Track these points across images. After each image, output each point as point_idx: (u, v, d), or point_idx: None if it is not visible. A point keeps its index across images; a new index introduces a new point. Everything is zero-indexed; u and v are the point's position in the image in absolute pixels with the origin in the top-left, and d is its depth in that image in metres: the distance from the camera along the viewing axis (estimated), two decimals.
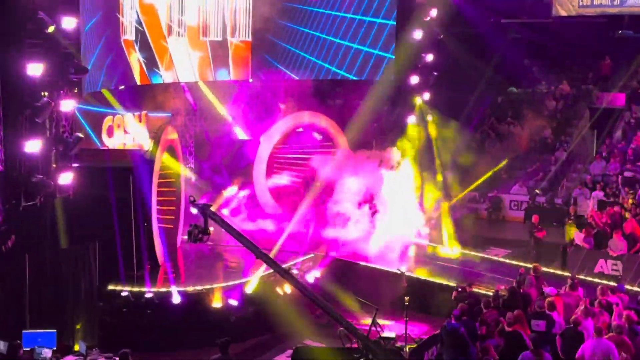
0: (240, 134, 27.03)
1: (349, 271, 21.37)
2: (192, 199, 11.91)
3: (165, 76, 24.69)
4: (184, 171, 22.99)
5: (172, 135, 22.11)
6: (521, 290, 16.36)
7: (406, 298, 16.87)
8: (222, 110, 27.07)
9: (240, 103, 27.39)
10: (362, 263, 21.55)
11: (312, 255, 21.72)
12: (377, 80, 26.33)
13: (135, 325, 17.98)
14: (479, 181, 27.22)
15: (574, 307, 15.10)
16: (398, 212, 22.88)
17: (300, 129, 26.72)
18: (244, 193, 25.67)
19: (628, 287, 18.53)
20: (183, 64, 25.07)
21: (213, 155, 26.30)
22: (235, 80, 26.98)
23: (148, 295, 18.40)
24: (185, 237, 13.46)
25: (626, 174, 25.89)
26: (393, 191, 23.09)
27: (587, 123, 29.95)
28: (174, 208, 22.32)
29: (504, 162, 28.33)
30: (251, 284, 19.31)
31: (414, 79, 27.02)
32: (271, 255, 17.55)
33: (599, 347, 12.63)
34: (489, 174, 27.38)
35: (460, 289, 17.22)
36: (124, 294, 18.34)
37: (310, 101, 27.32)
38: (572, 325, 13.83)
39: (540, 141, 30.34)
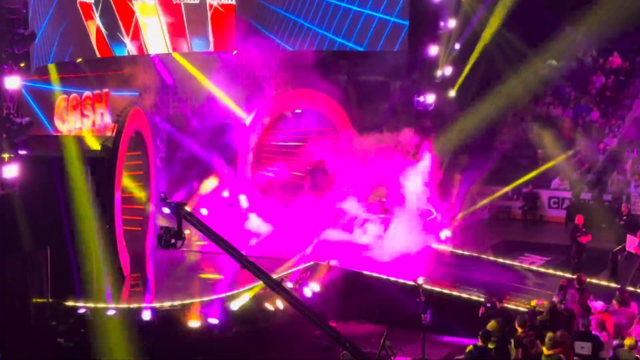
0: (224, 116, 27.03)
1: (355, 283, 21.38)
2: (163, 196, 11.92)
3: (131, 47, 24.63)
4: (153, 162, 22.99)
5: (140, 118, 22.08)
6: (562, 307, 16.38)
7: (423, 316, 16.87)
8: (202, 87, 27.05)
9: (223, 80, 27.35)
10: (370, 273, 21.56)
11: (310, 263, 21.72)
12: (390, 51, 26.34)
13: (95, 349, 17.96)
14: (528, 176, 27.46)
15: (627, 327, 15.12)
16: (416, 211, 22.96)
17: (298, 111, 26.73)
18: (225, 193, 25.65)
19: None
20: (152, 32, 25.01)
21: (189, 142, 26.27)
22: (216, 52, 26.93)
23: (110, 313, 18.39)
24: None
25: None
26: (412, 184, 23.18)
27: None
28: (142, 207, 22.32)
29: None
30: (236, 300, 19.31)
31: (433, 50, 27.01)
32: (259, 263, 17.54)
33: None
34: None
35: (489, 305, 17.24)
36: (81, 311, 18.30)
37: (307, 77, 27.32)
38: (625, 349, 13.85)
39: (586, 125, 30.35)
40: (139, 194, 22.21)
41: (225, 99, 27.00)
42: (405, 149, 24.39)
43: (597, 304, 16.09)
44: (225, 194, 25.84)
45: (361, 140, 25.37)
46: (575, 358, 13.28)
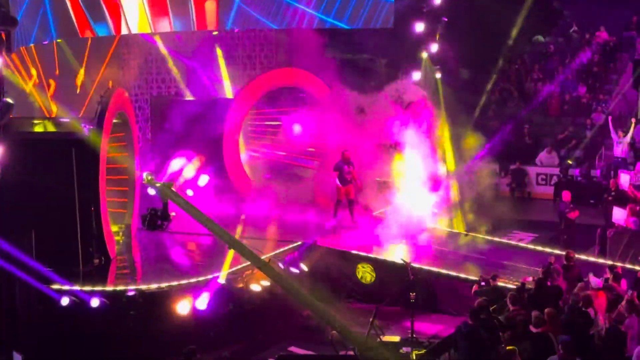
0: (208, 96, 26.94)
1: (343, 262, 21.40)
2: (149, 177, 11.87)
3: (113, 27, 24.48)
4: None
5: (123, 99, 21.99)
6: (549, 283, 16.46)
7: (412, 294, 16.91)
8: (185, 67, 26.95)
9: (206, 59, 27.25)
10: (357, 252, 21.58)
11: (297, 243, 21.73)
12: (377, 29, 26.26)
13: (82, 333, 17.94)
14: None
15: (615, 303, 15.18)
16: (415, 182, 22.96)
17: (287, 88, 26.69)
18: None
19: None
20: (133, 11, 24.85)
21: (174, 122, 26.18)
22: (199, 31, 26.80)
23: (97, 300, 18.33)
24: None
25: None
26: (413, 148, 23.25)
27: (630, 79, 29.97)
28: (127, 189, 22.25)
29: None
30: (224, 280, 19.31)
31: (419, 27, 26.91)
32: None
33: None
34: None
35: (482, 283, 17.28)
36: (66, 298, 18.17)
37: (294, 56, 27.22)
38: (613, 324, 13.91)
39: (573, 101, 30.38)
40: (124, 174, 22.17)
41: (210, 79, 26.93)
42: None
43: (594, 281, 16.12)
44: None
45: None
46: (562, 336, 13.27)
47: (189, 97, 26.82)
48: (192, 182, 24.87)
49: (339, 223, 23.47)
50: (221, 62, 27.71)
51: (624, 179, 23.35)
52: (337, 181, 23.34)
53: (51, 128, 21.29)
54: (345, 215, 23.69)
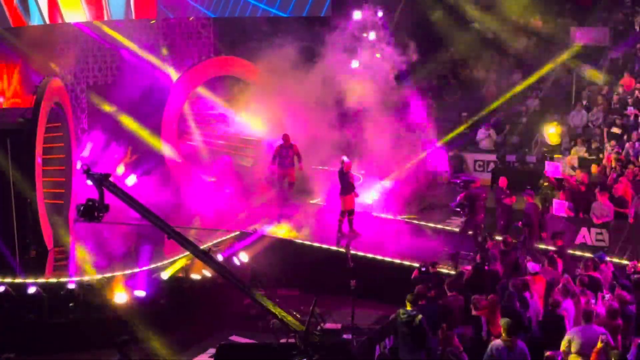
0: (146, 85, 26.69)
1: (283, 251, 21.37)
2: (85, 167, 11.73)
3: (48, 15, 24.12)
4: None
5: (59, 89, 21.72)
6: (486, 268, 16.65)
7: (352, 282, 16.93)
8: (123, 56, 26.69)
9: (144, 48, 27.02)
10: (298, 241, 21.59)
11: (237, 232, 21.68)
12: (315, 17, 26.34)
13: (17, 325, 17.76)
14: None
15: (553, 287, 15.39)
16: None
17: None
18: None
19: (616, 260, 18.98)
20: (69, 0, 24.52)
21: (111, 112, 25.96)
22: (137, 20, 26.56)
23: (33, 288, 18.14)
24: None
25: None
26: None
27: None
28: (64, 179, 22.00)
29: None
30: (163, 270, 19.21)
31: (357, 15, 27.00)
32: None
33: (589, 335, 12.76)
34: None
35: (423, 269, 17.38)
36: (1, 287, 18.04)
37: (230, 44, 27.13)
38: (549, 308, 14.11)
39: (508, 88, 30.63)
40: (61, 165, 21.92)
41: (147, 68, 26.70)
42: None
43: (532, 265, 16.32)
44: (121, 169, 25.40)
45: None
46: (502, 319, 13.43)
47: (126, 86, 26.51)
48: (122, 179, 24.70)
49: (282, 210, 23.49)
50: (160, 50, 27.48)
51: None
52: (276, 166, 23.43)
53: None
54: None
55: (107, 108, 25.29)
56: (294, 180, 24.00)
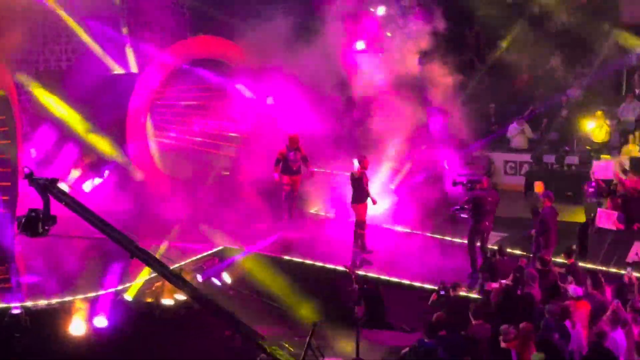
0: (107, 72, 26.70)
1: (276, 271, 21.32)
2: (27, 171, 11.63)
3: None
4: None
5: (4, 76, 21.74)
6: (519, 292, 16.58)
7: (356, 307, 16.90)
8: (79, 38, 26.69)
9: (105, 29, 26.99)
10: (291, 258, 21.52)
11: (219, 248, 21.65)
12: None
13: None
14: None
15: (598, 314, 15.32)
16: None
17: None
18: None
19: None
20: None
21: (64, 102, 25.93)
22: None
23: None
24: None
25: None
26: None
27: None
28: (8, 184, 21.97)
29: None
30: (129, 294, 19.17)
31: None
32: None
33: None
34: None
35: (442, 292, 17.32)
36: None
37: (205, 23, 27.27)
38: (595, 340, 14.02)
39: (546, 73, 30.63)
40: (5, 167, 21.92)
41: (110, 51, 26.68)
42: None
43: (573, 288, 16.23)
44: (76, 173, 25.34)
45: None
46: (534, 354, 13.38)
47: (84, 73, 26.47)
48: (77, 185, 24.67)
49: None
50: (125, 31, 27.48)
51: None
52: (280, 173, 23.35)
53: None
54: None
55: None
56: (297, 192, 23.99)
